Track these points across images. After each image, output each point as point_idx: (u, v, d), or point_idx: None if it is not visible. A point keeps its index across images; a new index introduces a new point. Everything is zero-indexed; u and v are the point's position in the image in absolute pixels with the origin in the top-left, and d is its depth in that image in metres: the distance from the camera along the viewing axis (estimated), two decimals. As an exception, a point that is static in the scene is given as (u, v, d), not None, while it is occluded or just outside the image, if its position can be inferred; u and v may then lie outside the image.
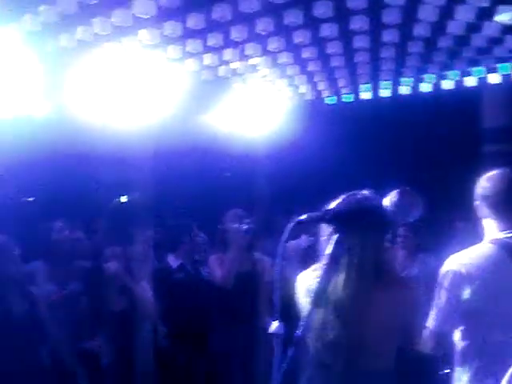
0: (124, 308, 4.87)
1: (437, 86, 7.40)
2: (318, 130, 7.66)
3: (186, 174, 8.64)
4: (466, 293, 3.06)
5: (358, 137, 8.06)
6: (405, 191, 1.80)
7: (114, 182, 7.53)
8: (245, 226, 5.10)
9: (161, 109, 6.58)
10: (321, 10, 5.21)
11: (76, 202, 6.95)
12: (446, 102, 7.49)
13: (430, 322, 3.13)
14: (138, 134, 6.57)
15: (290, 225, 1.99)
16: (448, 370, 3.38)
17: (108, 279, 4.92)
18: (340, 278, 2.60)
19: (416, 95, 7.57)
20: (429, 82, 7.36)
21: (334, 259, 1.90)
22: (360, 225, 1.88)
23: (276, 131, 7.49)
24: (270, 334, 2.08)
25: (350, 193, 2.12)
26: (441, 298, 3.13)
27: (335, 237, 1.90)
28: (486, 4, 5.10)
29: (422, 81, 7.29)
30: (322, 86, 7.49)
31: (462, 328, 3.16)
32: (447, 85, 7.38)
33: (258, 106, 7.55)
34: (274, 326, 2.06)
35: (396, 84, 7.48)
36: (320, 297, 1.96)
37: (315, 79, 7.23)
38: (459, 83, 7.33)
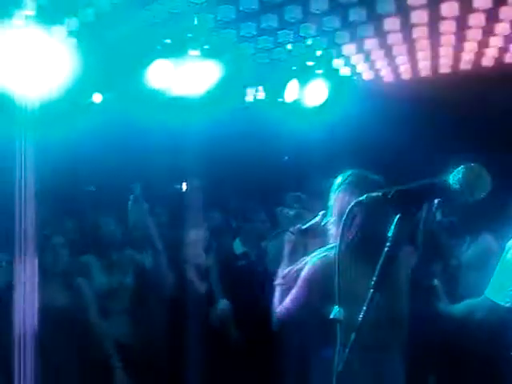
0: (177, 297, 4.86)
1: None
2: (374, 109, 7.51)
3: (246, 158, 8.61)
4: None
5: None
6: (471, 167, 1.70)
7: (170, 169, 7.56)
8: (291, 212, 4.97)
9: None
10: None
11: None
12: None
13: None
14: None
15: (350, 206, 1.92)
16: None
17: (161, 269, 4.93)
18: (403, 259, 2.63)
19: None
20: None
21: (396, 241, 1.82)
22: (424, 204, 1.79)
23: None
24: (331, 319, 2.03)
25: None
26: (506, 272, 3.10)
27: (397, 217, 1.82)
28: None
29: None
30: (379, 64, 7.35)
31: None
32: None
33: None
34: (335, 311, 2.01)
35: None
36: (382, 280, 1.89)
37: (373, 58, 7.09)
38: None
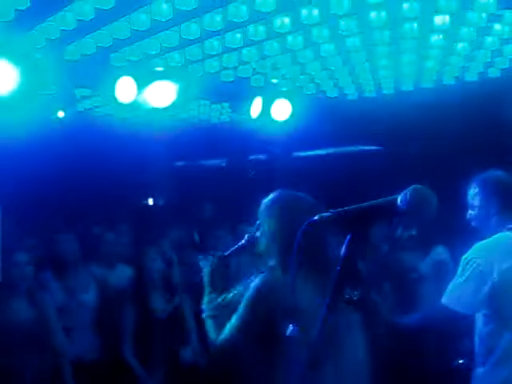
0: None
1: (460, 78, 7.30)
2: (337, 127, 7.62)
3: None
4: (490, 279, 3.16)
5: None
6: (418, 190, 1.76)
7: (136, 184, 7.57)
8: None
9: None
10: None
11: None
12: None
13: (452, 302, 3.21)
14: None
15: (304, 226, 1.97)
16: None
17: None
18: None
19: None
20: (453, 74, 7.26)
21: (347, 259, 1.87)
22: (374, 223, 1.85)
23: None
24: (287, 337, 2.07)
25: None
26: (466, 283, 3.21)
27: (348, 237, 1.87)
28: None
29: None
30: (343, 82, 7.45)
31: (485, 313, 3.23)
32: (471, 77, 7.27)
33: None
34: (290, 328, 2.05)
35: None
36: (335, 299, 1.93)
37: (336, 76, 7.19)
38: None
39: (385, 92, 7.72)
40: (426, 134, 7.78)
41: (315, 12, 5.23)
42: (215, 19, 5.20)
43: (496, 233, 3.39)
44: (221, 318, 2.77)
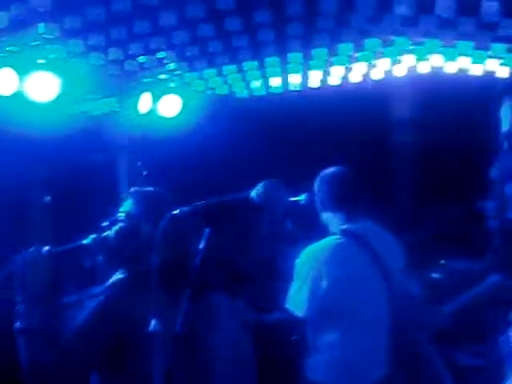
0: None
1: (345, 79, 7.51)
2: (226, 124, 7.66)
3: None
4: (324, 282, 3.32)
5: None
6: (269, 183, 1.82)
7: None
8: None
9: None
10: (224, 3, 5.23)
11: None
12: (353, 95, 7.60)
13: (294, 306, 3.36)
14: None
15: (164, 221, 1.97)
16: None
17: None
18: None
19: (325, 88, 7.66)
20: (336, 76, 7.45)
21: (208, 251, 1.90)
22: (227, 218, 1.88)
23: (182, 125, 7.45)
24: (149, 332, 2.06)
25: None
26: (300, 287, 3.37)
27: (207, 231, 1.89)
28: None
29: (329, 74, 7.36)
30: (232, 79, 7.49)
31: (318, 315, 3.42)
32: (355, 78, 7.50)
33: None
34: (152, 324, 2.05)
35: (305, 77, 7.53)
36: (196, 291, 1.95)
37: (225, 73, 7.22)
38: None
39: (273, 91, 7.83)
40: (304, 135, 7.99)
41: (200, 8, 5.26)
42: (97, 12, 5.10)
43: (328, 235, 3.58)
44: None
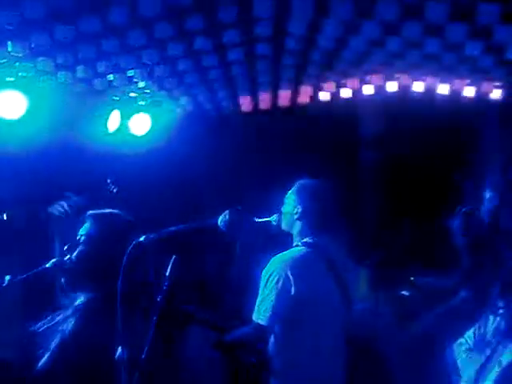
0: None
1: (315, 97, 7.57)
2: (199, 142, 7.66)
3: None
4: (291, 291, 3.38)
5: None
6: (235, 211, 1.83)
7: None
8: None
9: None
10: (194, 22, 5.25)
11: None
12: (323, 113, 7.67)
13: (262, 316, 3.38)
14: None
15: (131, 247, 1.96)
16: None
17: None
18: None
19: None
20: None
21: (173, 279, 1.89)
22: (199, 244, 1.88)
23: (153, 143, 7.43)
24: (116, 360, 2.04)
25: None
26: (270, 296, 3.40)
27: (173, 257, 1.88)
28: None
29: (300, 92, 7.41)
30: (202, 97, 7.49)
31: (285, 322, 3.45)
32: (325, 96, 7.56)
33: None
34: (119, 352, 2.03)
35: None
36: (163, 317, 1.94)
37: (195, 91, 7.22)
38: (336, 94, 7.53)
39: (243, 110, 7.86)
40: (275, 153, 8.03)
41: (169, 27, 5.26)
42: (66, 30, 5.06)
43: (296, 245, 3.61)
44: None
